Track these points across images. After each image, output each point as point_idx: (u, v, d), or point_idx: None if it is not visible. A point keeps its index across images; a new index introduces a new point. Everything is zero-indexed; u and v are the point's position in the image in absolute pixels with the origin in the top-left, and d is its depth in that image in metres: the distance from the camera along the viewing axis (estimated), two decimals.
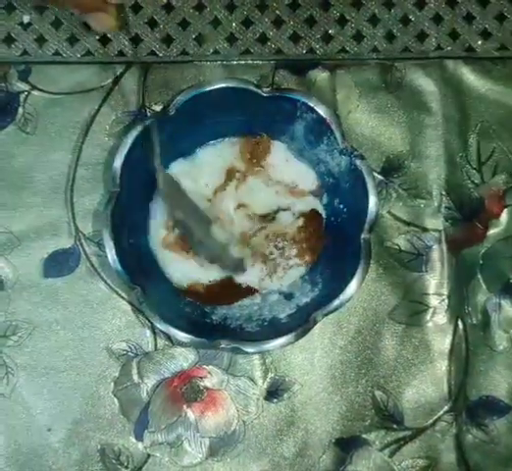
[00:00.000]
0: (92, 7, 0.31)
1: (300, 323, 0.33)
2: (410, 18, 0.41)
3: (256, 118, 0.35)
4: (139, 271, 0.34)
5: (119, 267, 0.33)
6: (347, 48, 0.41)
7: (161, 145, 0.33)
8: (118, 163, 0.33)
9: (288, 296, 0.36)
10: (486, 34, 0.41)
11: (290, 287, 0.37)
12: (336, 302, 0.32)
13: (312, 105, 0.34)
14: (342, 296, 0.32)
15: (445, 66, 0.40)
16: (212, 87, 0.34)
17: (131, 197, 0.34)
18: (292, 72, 0.40)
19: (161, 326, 0.33)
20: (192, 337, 0.33)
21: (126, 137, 0.33)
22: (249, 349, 0.33)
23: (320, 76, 0.40)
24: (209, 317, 0.36)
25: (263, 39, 0.41)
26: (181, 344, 0.37)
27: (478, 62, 0.40)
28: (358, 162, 0.33)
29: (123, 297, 0.38)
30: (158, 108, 0.39)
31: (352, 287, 0.32)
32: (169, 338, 0.38)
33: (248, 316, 0.36)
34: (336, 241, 0.36)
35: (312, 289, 0.36)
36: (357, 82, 0.40)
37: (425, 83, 0.40)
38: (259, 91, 0.34)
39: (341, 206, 0.36)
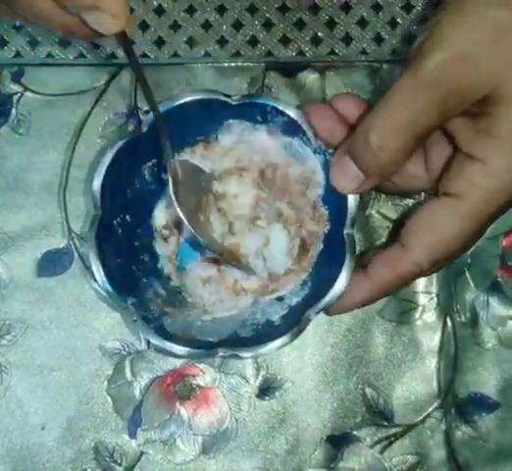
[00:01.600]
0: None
1: (293, 323, 0.33)
2: (398, 21, 0.42)
3: (226, 126, 0.36)
4: (130, 289, 0.34)
5: (109, 288, 0.33)
6: (336, 50, 0.41)
7: (133, 162, 0.34)
8: (96, 185, 0.33)
9: (279, 298, 0.37)
10: None
11: None
12: (327, 299, 0.32)
13: (281, 108, 0.34)
14: (332, 293, 0.32)
15: None
16: (180, 101, 0.34)
17: (115, 217, 0.35)
18: (282, 74, 0.41)
19: (157, 341, 0.32)
20: (189, 349, 0.32)
21: (103, 159, 0.33)
22: (246, 355, 0.33)
23: (310, 77, 0.41)
24: None
25: (253, 42, 0.41)
26: (178, 357, 0.37)
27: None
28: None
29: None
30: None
31: (341, 282, 0.32)
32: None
33: (242, 321, 0.36)
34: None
35: (302, 289, 0.36)
36: (346, 84, 0.41)
37: None
38: (228, 100, 0.34)
39: (322, 203, 0.36)
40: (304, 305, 0.34)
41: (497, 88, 0.28)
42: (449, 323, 0.39)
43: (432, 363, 0.39)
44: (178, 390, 0.38)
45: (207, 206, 0.36)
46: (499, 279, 0.39)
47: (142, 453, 0.37)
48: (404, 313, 0.39)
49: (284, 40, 0.41)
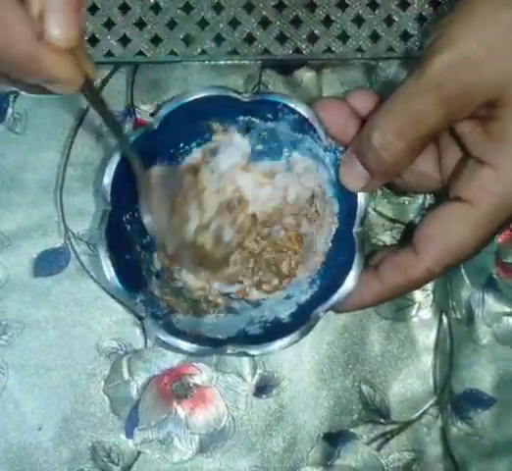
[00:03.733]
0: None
1: (302, 321, 0.33)
2: (394, 18, 0.42)
3: (237, 123, 0.36)
4: (139, 286, 0.34)
5: (118, 284, 0.32)
6: (333, 48, 0.41)
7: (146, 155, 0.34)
8: (106, 182, 0.33)
9: (288, 296, 0.37)
10: None
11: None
12: (336, 297, 0.33)
13: (292, 106, 0.34)
14: (341, 290, 0.32)
15: None
16: (192, 98, 0.34)
17: (123, 213, 0.35)
18: (279, 71, 0.40)
19: (166, 338, 0.32)
20: (198, 346, 0.32)
21: (112, 156, 0.33)
22: (255, 352, 0.33)
23: (306, 75, 0.41)
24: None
25: (250, 40, 0.41)
26: (187, 354, 0.37)
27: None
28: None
29: (112, 296, 0.38)
30: (146, 108, 0.40)
31: (350, 281, 0.32)
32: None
33: (250, 319, 0.36)
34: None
35: (310, 287, 0.36)
36: (343, 82, 0.40)
37: None
38: (239, 97, 0.34)
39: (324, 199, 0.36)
40: (313, 303, 0.34)
41: (506, 90, 0.28)
42: (445, 320, 0.39)
43: (428, 360, 0.39)
44: (175, 389, 0.38)
45: (183, 204, 0.36)
46: (495, 276, 0.40)
47: (139, 453, 0.38)
48: (400, 310, 0.39)
49: (281, 38, 0.41)
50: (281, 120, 0.35)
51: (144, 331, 0.38)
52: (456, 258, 0.31)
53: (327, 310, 0.33)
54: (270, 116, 0.35)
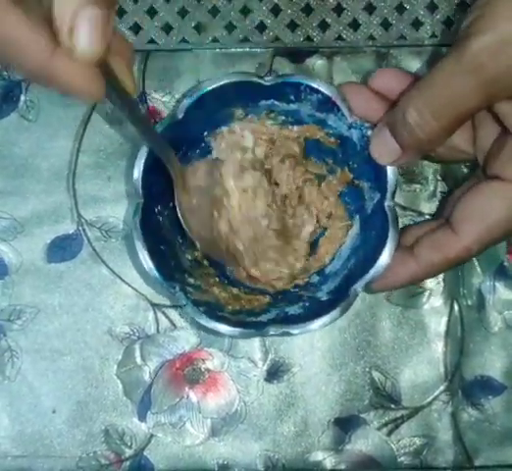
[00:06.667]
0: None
1: (340, 298, 0.33)
2: (405, 6, 0.42)
3: (259, 107, 0.36)
4: (174, 274, 0.34)
5: (157, 275, 0.32)
6: (344, 36, 0.41)
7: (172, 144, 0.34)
8: (137, 174, 0.33)
9: (324, 274, 0.37)
10: None
11: None
12: (373, 271, 0.32)
13: (315, 86, 0.34)
14: (378, 264, 0.32)
15: (440, 53, 0.41)
16: (214, 86, 0.34)
17: (156, 204, 0.35)
18: (290, 59, 0.41)
19: (207, 324, 0.32)
20: (241, 329, 0.33)
21: (141, 148, 0.33)
22: (297, 332, 0.33)
23: (317, 63, 0.41)
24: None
25: (261, 28, 0.41)
26: (230, 337, 0.37)
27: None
28: (369, 133, 0.33)
29: (125, 282, 0.39)
30: (158, 95, 0.40)
31: (386, 254, 0.32)
32: (171, 321, 0.38)
33: (288, 300, 0.36)
34: (362, 213, 0.36)
35: (345, 265, 0.36)
36: (354, 69, 0.41)
37: (420, 70, 0.41)
38: (261, 81, 0.34)
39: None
40: (349, 280, 0.34)
41: None
42: (456, 307, 0.39)
43: (438, 347, 0.39)
44: (187, 373, 0.38)
45: (219, 201, 0.36)
46: (506, 263, 0.40)
47: (152, 436, 0.38)
48: (411, 297, 0.39)
49: (292, 26, 0.41)
50: (303, 101, 0.35)
51: (156, 316, 0.38)
52: (495, 236, 0.31)
53: (364, 286, 0.33)
54: (292, 98, 0.35)
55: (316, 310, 0.34)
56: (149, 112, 0.40)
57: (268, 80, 0.34)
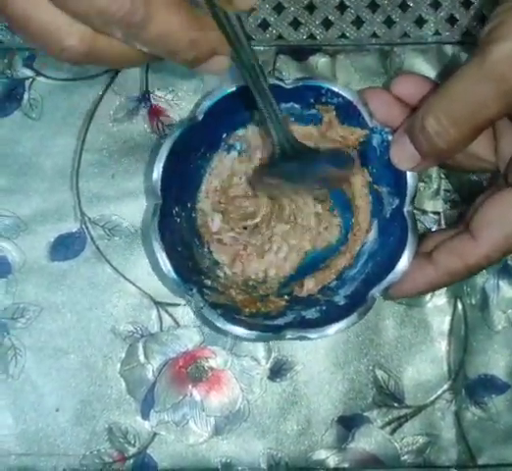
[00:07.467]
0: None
1: (358, 303, 0.33)
2: (409, 4, 0.41)
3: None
4: (192, 277, 0.34)
5: (175, 277, 0.32)
6: (347, 34, 0.41)
7: (186, 151, 0.34)
8: (156, 176, 0.33)
9: (342, 279, 0.37)
10: (483, 20, 0.41)
11: None
12: (391, 277, 0.32)
13: (337, 90, 0.34)
14: (396, 270, 0.32)
15: (443, 51, 0.41)
16: (234, 88, 0.34)
17: (173, 206, 0.35)
18: (293, 57, 0.41)
19: (224, 326, 0.32)
20: (258, 332, 0.32)
21: (160, 150, 0.33)
22: (314, 336, 0.32)
23: (320, 61, 0.41)
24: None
25: (264, 25, 0.41)
26: (247, 340, 0.37)
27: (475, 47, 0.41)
28: (390, 138, 0.33)
29: (128, 280, 0.39)
30: (161, 94, 0.40)
31: (404, 259, 0.32)
32: (174, 319, 0.39)
33: (305, 304, 0.36)
34: (380, 218, 0.36)
35: (362, 269, 0.36)
36: (357, 68, 0.41)
37: (424, 68, 0.41)
38: (281, 84, 0.34)
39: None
40: (367, 284, 0.34)
41: None
42: (460, 306, 0.39)
43: (442, 345, 0.39)
44: (190, 372, 0.38)
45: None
46: (510, 262, 0.40)
47: (155, 434, 0.38)
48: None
49: (295, 24, 0.41)
50: (323, 104, 0.35)
51: (160, 314, 0.38)
52: None
53: (382, 290, 0.33)
54: (312, 101, 0.35)
55: (333, 314, 0.33)
56: (152, 110, 0.40)
57: (288, 83, 0.34)
